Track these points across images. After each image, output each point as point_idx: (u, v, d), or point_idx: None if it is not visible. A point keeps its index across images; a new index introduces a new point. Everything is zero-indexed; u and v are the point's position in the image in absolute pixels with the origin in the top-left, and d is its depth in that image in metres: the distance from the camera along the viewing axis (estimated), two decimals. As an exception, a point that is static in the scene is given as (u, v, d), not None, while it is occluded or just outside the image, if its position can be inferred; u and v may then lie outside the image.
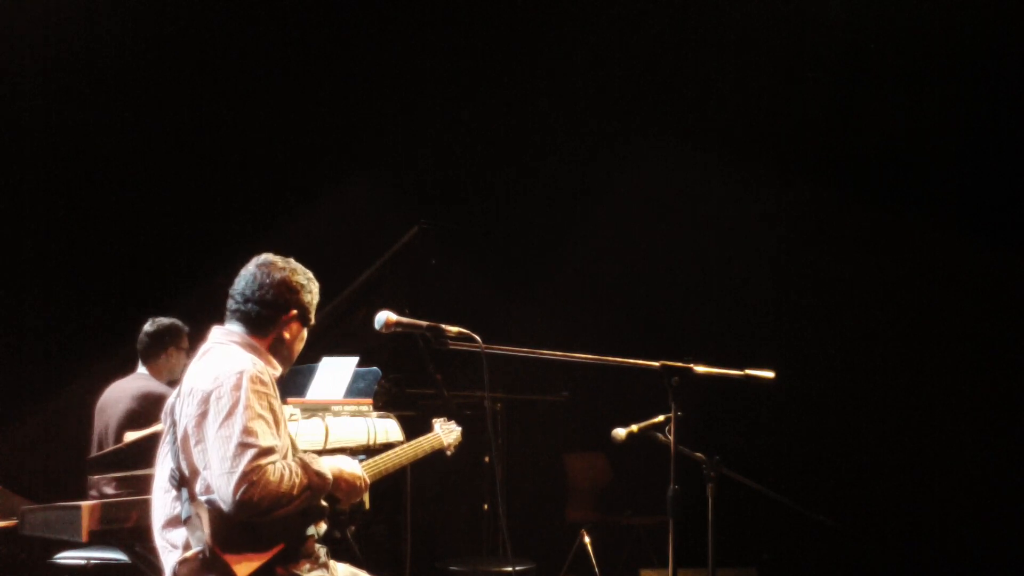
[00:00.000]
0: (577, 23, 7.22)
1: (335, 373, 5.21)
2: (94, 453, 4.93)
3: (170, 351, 5.15)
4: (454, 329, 3.42)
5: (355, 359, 5.21)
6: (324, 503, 3.20)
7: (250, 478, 2.92)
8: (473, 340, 3.39)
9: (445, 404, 5.51)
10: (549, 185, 7.57)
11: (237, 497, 2.92)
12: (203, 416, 3.02)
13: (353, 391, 5.11)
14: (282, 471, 2.99)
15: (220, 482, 2.95)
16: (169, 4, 6.69)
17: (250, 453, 2.94)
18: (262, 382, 3.08)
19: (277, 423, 3.09)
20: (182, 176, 6.80)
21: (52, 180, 6.52)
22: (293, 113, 7.04)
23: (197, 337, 3.35)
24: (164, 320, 5.20)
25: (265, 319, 3.25)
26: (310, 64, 7.10)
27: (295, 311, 3.28)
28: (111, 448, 4.65)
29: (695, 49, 7.08)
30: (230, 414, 2.99)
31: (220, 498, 2.96)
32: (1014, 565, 6.22)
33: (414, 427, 5.06)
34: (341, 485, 3.23)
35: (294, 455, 3.14)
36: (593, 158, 7.54)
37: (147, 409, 4.82)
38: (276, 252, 3.40)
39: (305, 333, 3.38)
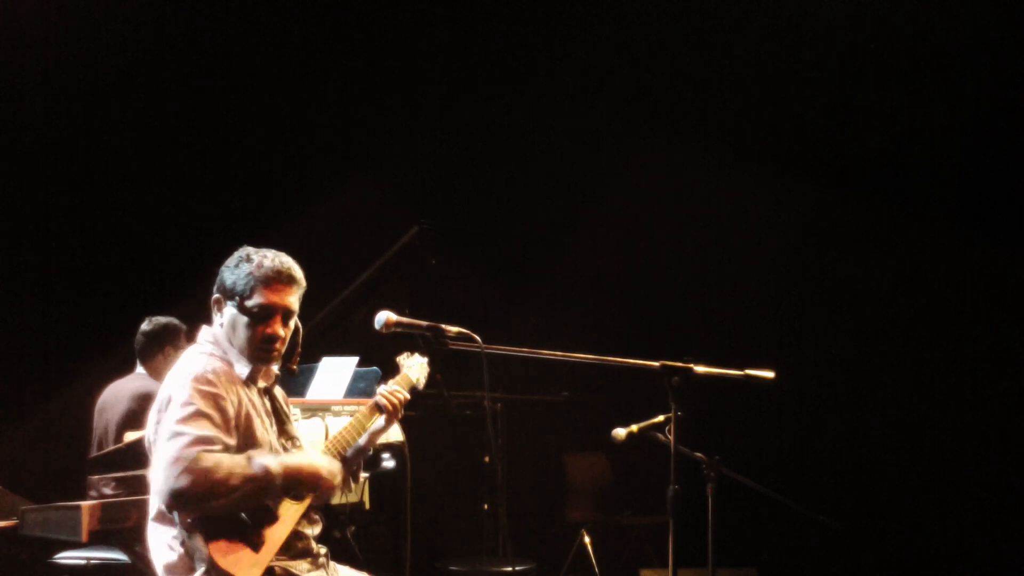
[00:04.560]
0: (577, 23, 7.21)
1: (335, 373, 5.22)
2: (94, 453, 4.93)
3: (167, 350, 5.11)
4: (454, 329, 3.41)
5: (355, 359, 5.21)
6: (292, 499, 3.11)
7: (182, 463, 2.85)
8: (473, 340, 3.38)
9: (445, 404, 5.51)
10: (549, 184, 7.56)
11: (170, 486, 2.85)
12: (158, 424, 3.04)
13: (353, 391, 5.11)
14: (219, 459, 2.90)
15: (156, 475, 2.90)
16: (169, 4, 6.69)
17: (183, 440, 2.89)
18: (209, 382, 3.02)
19: (227, 422, 3.01)
20: (182, 176, 6.81)
21: (52, 180, 6.52)
22: (293, 113, 7.04)
23: (196, 337, 3.35)
24: (161, 319, 5.17)
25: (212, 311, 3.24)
26: (310, 64, 7.10)
27: (217, 295, 3.21)
28: (111, 448, 4.65)
29: (695, 49, 7.08)
30: (170, 413, 2.99)
31: (156, 491, 2.90)
32: (1014, 565, 6.22)
33: (415, 427, 5.07)
34: (300, 478, 3.08)
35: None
36: (593, 158, 7.54)
37: (147, 409, 4.76)
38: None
39: (244, 318, 3.13)
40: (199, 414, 2.96)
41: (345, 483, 3.51)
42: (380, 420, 3.54)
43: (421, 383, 3.76)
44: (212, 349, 3.20)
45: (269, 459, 3.00)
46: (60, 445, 6.12)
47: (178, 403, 2.99)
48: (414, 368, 3.76)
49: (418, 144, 7.42)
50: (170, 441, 2.92)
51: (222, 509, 2.95)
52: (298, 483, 3.08)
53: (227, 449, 2.98)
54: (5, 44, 6.19)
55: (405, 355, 3.82)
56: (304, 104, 7.10)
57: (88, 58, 6.50)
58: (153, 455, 3.02)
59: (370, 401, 3.55)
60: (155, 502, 3.06)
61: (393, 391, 3.56)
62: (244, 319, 3.15)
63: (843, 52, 6.92)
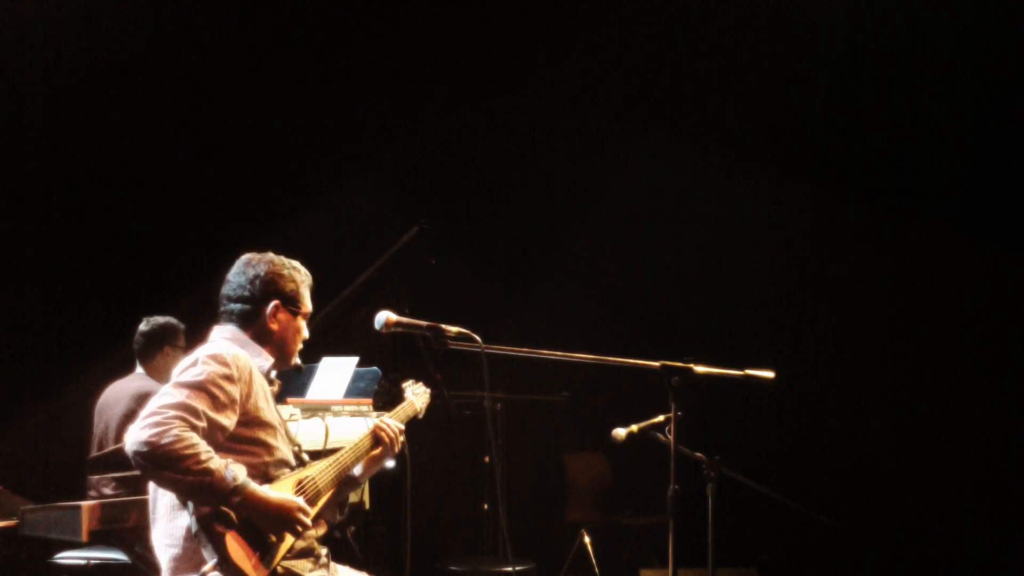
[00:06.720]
0: (577, 23, 7.22)
1: (335, 373, 5.21)
2: (94, 453, 4.93)
3: (166, 350, 5.11)
4: (454, 329, 3.42)
5: (355, 359, 5.21)
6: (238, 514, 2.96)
7: (159, 422, 2.86)
8: (473, 340, 3.38)
9: (445, 404, 5.51)
10: (549, 184, 7.56)
11: (137, 436, 2.85)
12: None
13: (353, 391, 5.11)
14: (193, 437, 2.88)
15: (134, 423, 2.91)
16: (169, 4, 6.69)
17: (171, 400, 2.93)
18: (225, 363, 3.05)
19: (231, 402, 3.03)
20: (182, 176, 6.81)
21: (51, 180, 6.53)
22: (292, 113, 7.03)
23: (195, 336, 3.36)
24: (159, 319, 5.17)
25: (250, 314, 3.27)
26: (310, 64, 7.10)
27: (277, 300, 3.28)
28: (111, 448, 4.65)
29: (694, 49, 7.08)
30: (174, 373, 3.07)
31: (127, 441, 2.90)
32: (1014, 565, 6.22)
33: (415, 427, 5.07)
34: (250, 503, 2.95)
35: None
36: (593, 158, 7.54)
37: (147, 409, 4.80)
38: (275, 252, 3.40)
39: (300, 322, 3.35)
40: (199, 387, 2.99)
41: (342, 508, 3.57)
42: (377, 451, 3.57)
43: (422, 413, 3.85)
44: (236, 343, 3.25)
45: (237, 469, 2.96)
46: (60, 445, 6.13)
47: (187, 369, 3.04)
48: (419, 396, 3.85)
49: (418, 144, 7.42)
50: (160, 396, 2.96)
51: (169, 485, 2.94)
52: (248, 507, 2.96)
53: (217, 428, 3.00)
54: (5, 44, 6.20)
55: (410, 382, 3.92)
56: (304, 104, 7.10)
57: (88, 58, 6.50)
58: None
59: (369, 429, 3.58)
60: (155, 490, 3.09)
61: (388, 424, 3.60)
62: (300, 324, 3.35)
63: (843, 52, 6.92)
